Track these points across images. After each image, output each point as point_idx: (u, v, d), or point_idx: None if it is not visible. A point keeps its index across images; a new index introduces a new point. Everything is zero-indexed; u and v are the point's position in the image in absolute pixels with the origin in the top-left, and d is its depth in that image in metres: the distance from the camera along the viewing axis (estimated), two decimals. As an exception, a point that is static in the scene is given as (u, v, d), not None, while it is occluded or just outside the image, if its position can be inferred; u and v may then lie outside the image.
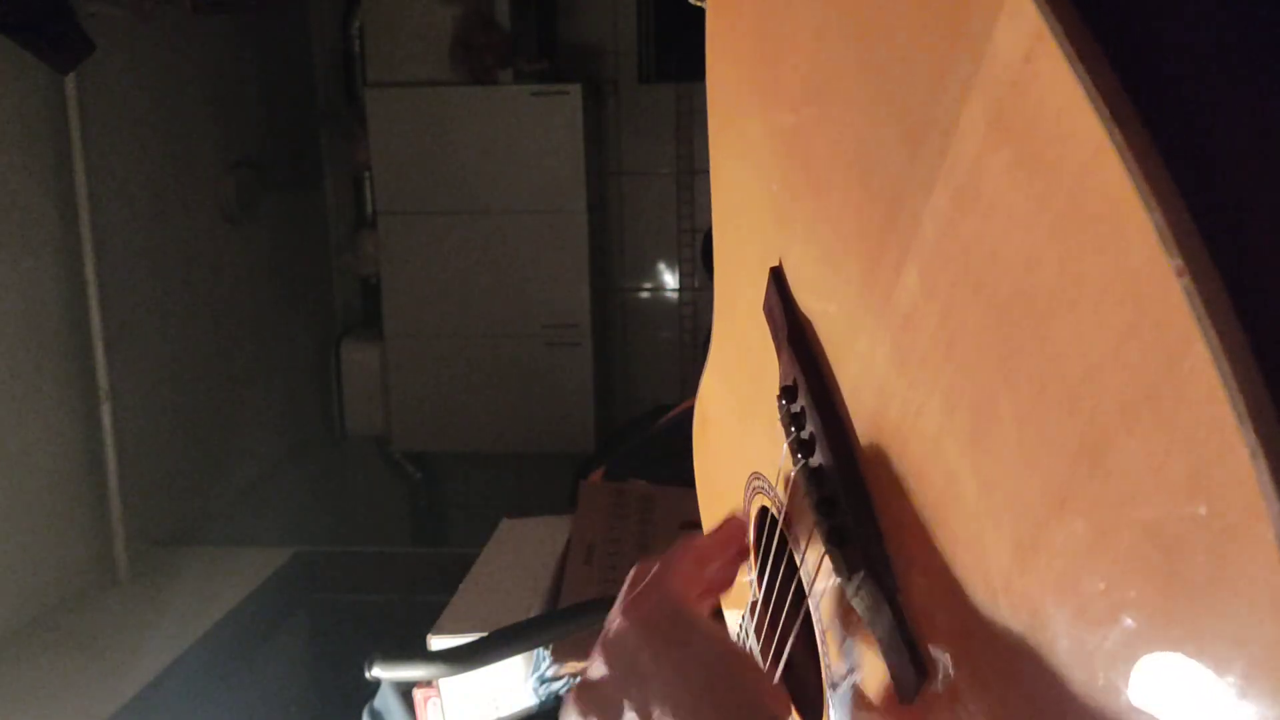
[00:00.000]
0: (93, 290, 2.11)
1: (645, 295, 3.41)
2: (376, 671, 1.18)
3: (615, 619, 0.42)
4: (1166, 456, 0.18)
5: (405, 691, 1.29)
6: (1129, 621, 0.20)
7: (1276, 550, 0.16)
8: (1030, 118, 0.22)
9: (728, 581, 0.49)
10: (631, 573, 0.46)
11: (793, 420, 0.36)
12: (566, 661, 1.21)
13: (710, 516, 0.62)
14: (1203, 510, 0.17)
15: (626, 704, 0.39)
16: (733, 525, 0.48)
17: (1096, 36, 0.20)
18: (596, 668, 0.42)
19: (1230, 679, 0.17)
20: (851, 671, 0.37)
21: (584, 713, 0.41)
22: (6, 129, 1.94)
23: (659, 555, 0.46)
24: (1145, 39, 0.20)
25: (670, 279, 3.38)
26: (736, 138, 0.45)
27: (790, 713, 0.40)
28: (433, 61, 3.01)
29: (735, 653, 0.39)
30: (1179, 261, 0.17)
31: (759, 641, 0.48)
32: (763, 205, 0.41)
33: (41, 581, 2.00)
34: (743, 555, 0.49)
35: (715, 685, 0.37)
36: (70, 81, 2.03)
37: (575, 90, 2.91)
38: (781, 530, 0.43)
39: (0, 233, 1.91)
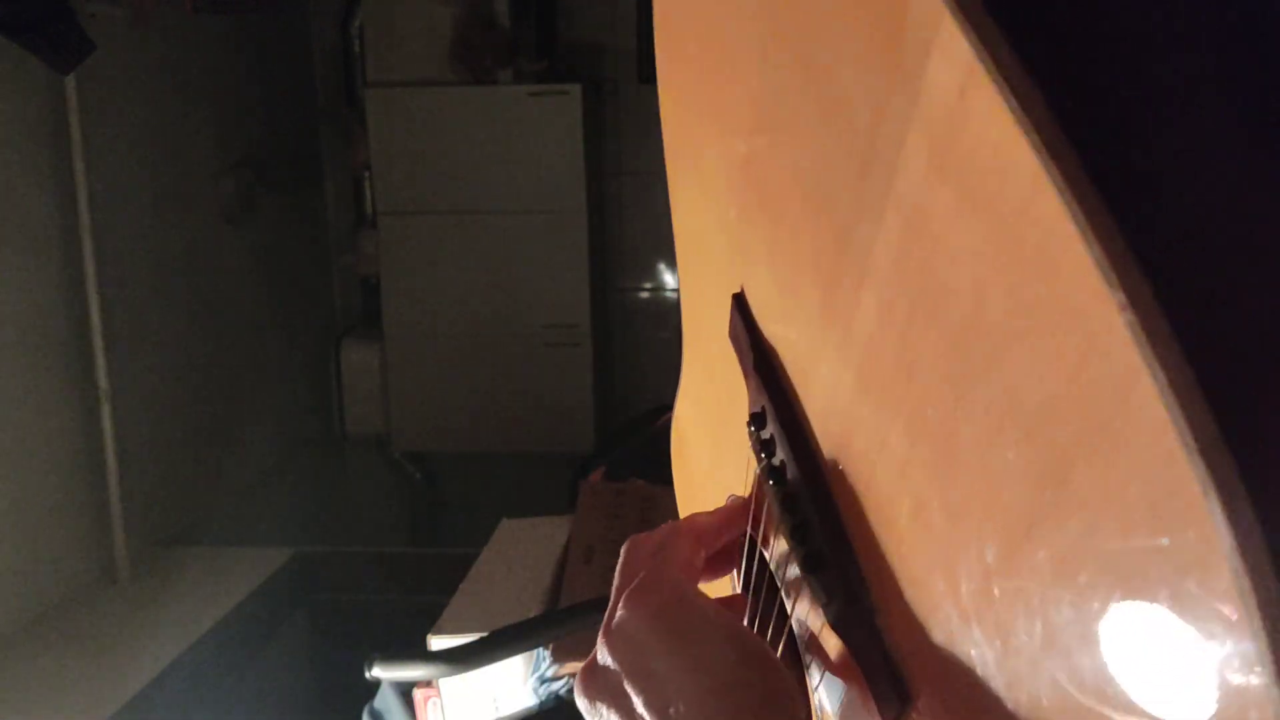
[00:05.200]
0: (93, 290, 2.11)
1: (645, 295, 3.41)
2: (376, 671, 1.18)
3: (619, 608, 0.41)
4: (1124, 487, 0.18)
5: (405, 691, 1.29)
6: (1100, 642, 0.20)
7: (1234, 583, 0.16)
8: (968, 153, 0.22)
9: (728, 565, 0.48)
10: (624, 552, 0.45)
11: (763, 447, 0.36)
12: (566, 661, 1.21)
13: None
14: (1162, 540, 0.17)
15: (636, 696, 0.38)
16: (734, 505, 0.47)
17: (1029, 70, 0.20)
18: (603, 656, 0.41)
19: (1192, 703, 0.17)
20: (837, 696, 0.37)
21: (592, 699, 0.40)
22: (6, 129, 1.94)
23: (651, 533, 0.45)
24: (1078, 71, 0.20)
25: (670, 279, 3.38)
26: (692, 164, 0.44)
27: (807, 708, 0.39)
28: (433, 61, 3.01)
29: (753, 646, 0.38)
30: (1121, 296, 0.17)
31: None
32: (722, 231, 0.41)
33: (41, 581, 2.00)
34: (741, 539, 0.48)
35: (735, 681, 0.36)
36: (70, 81, 2.03)
37: (575, 90, 2.91)
38: (760, 555, 0.43)
39: (0, 233, 1.91)
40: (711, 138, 0.40)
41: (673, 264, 3.37)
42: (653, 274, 3.39)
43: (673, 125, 0.46)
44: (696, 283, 0.49)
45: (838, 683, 0.36)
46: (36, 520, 1.98)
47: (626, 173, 3.32)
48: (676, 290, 3.34)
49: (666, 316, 3.40)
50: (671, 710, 0.37)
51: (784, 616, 0.42)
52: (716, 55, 0.38)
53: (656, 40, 0.44)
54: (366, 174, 3.12)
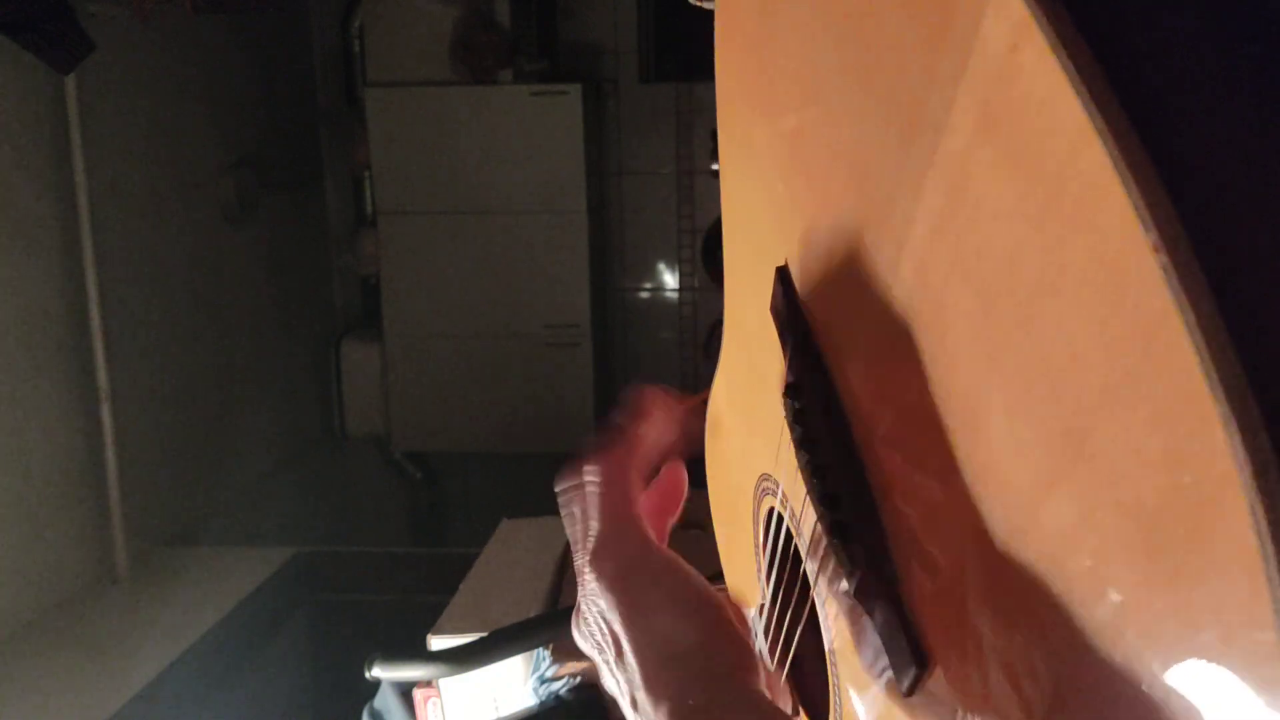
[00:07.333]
0: (93, 290, 2.12)
1: (645, 295, 3.41)
2: (376, 671, 1.18)
3: (584, 572, 0.43)
4: (1146, 435, 0.19)
5: (405, 691, 1.29)
6: (1114, 597, 0.20)
7: (1249, 518, 0.16)
8: (1015, 109, 0.22)
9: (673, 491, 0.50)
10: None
11: (797, 418, 0.37)
12: (566, 661, 1.21)
13: (720, 519, 0.62)
14: (1180, 482, 0.17)
15: (608, 649, 0.41)
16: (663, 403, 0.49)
17: (1080, 25, 0.20)
18: (585, 606, 0.43)
19: (1209, 643, 0.18)
20: (854, 666, 0.37)
21: (582, 632, 0.43)
22: (6, 129, 1.94)
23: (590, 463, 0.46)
24: (1128, 27, 0.20)
25: (670, 279, 3.39)
26: (742, 141, 0.45)
27: (759, 670, 0.41)
28: (433, 61, 3.01)
29: (708, 614, 0.40)
30: (1154, 237, 0.17)
31: (767, 641, 0.49)
32: (768, 207, 0.42)
33: (41, 581, 2.00)
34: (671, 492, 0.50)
35: (685, 653, 0.38)
36: (70, 81, 2.03)
37: (575, 90, 2.92)
38: (788, 529, 0.44)
39: (0, 233, 1.92)
40: (762, 114, 0.41)
41: (673, 264, 3.38)
42: (653, 274, 3.40)
43: (727, 105, 0.46)
44: (741, 262, 0.49)
45: (858, 655, 0.36)
46: (36, 520, 1.98)
47: (626, 173, 3.32)
48: (677, 290, 3.36)
49: (666, 316, 3.40)
50: (629, 678, 0.39)
51: (806, 588, 0.42)
52: (771, 29, 0.38)
53: (717, 17, 0.44)
54: (366, 174, 3.13)
